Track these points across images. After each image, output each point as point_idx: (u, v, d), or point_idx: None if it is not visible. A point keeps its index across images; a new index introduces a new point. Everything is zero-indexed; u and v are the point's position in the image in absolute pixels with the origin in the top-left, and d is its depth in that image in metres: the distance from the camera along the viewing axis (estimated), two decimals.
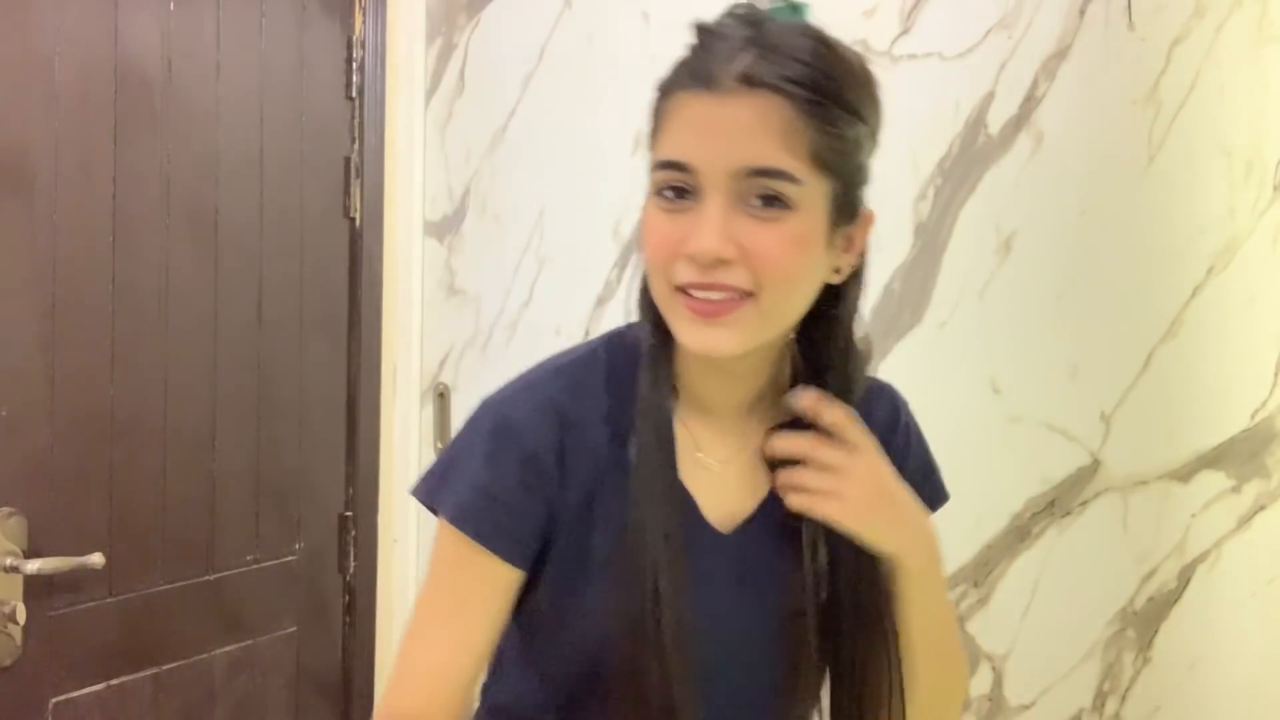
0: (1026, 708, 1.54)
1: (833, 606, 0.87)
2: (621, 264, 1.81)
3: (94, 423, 1.58)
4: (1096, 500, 1.50)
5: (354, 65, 2.04)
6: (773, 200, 0.76)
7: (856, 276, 0.89)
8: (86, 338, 1.57)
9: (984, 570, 1.56)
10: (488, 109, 2.05)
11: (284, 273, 1.90)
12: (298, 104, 1.92)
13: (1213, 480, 1.43)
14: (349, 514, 2.04)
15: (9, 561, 1.45)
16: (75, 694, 1.56)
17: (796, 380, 0.89)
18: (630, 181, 1.79)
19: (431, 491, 0.87)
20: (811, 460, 0.84)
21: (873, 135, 0.84)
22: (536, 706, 0.91)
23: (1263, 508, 1.41)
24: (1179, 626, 1.45)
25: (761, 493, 0.89)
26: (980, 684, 1.57)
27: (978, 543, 1.56)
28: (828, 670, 0.91)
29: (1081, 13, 1.50)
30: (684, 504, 0.85)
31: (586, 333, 1.83)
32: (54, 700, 1.53)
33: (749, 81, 0.74)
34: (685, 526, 0.84)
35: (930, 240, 1.59)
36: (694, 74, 0.77)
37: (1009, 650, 1.55)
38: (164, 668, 1.69)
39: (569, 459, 0.84)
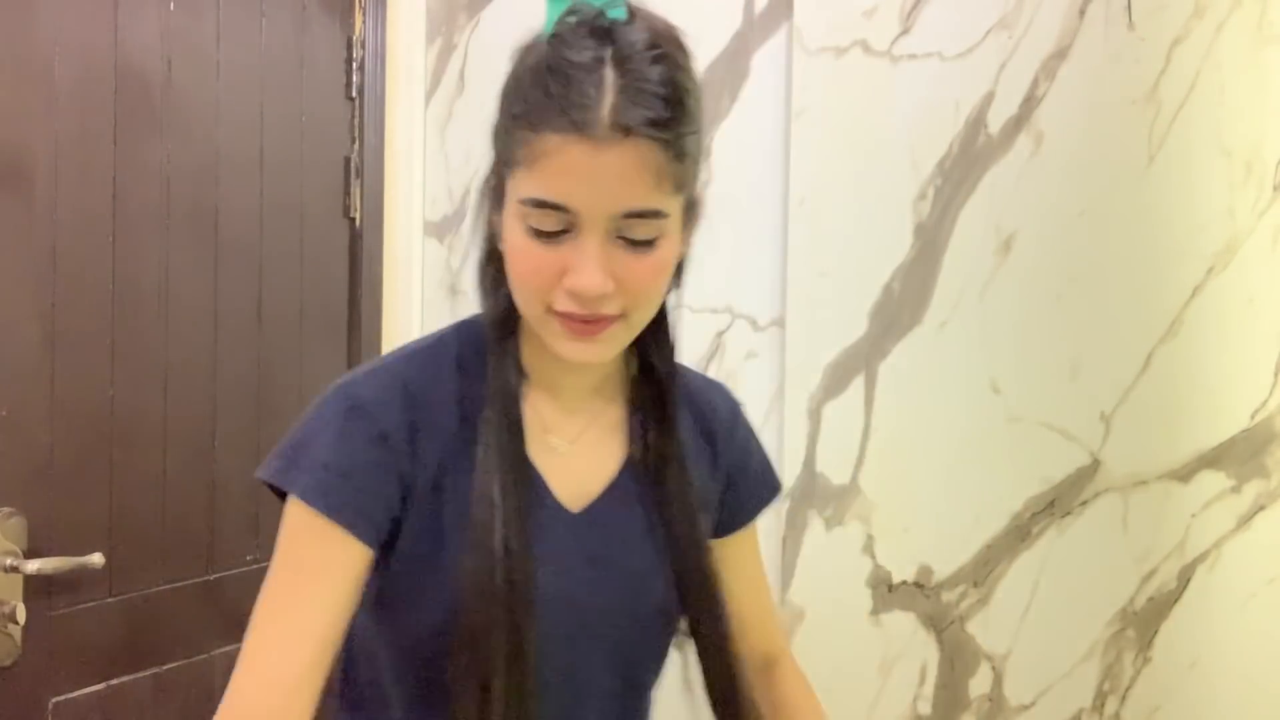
0: (1026, 708, 1.54)
1: (682, 580, 0.91)
2: None
3: (94, 423, 1.58)
4: (1096, 500, 1.50)
5: (354, 65, 2.04)
6: (642, 233, 0.80)
7: (687, 256, 0.93)
8: (86, 338, 1.57)
9: (984, 570, 1.56)
10: (488, 109, 2.03)
11: (284, 273, 1.90)
12: (298, 104, 1.92)
13: (1213, 480, 1.43)
14: None
15: (9, 561, 1.45)
16: (75, 694, 1.56)
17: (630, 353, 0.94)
18: None
19: (280, 472, 0.86)
20: None
21: (702, 134, 0.86)
22: (391, 684, 0.90)
23: (1263, 508, 1.41)
24: (1179, 626, 1.45)
25: (611, 471, 0.93)
26: (980, 684, 1.57)
27: (978, 543, 1.56)
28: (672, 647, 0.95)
29: (1081, 13, 1.50)
30: (532, 482, 0.87)
31: None
32: (54, 700, 1.53)
33: (623, 130, 0.76)
34: (534, 505, 0.86)
35: (930, 240, 1.60)
36: (566, 117, 0.77)
37: (1009, 650, 1.55)
38: (164, 668, 1.69)
39: (420, 437, 0.86)
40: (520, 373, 0.89)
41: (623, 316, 0.82)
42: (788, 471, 1.67)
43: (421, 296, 2.14)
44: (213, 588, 1.77)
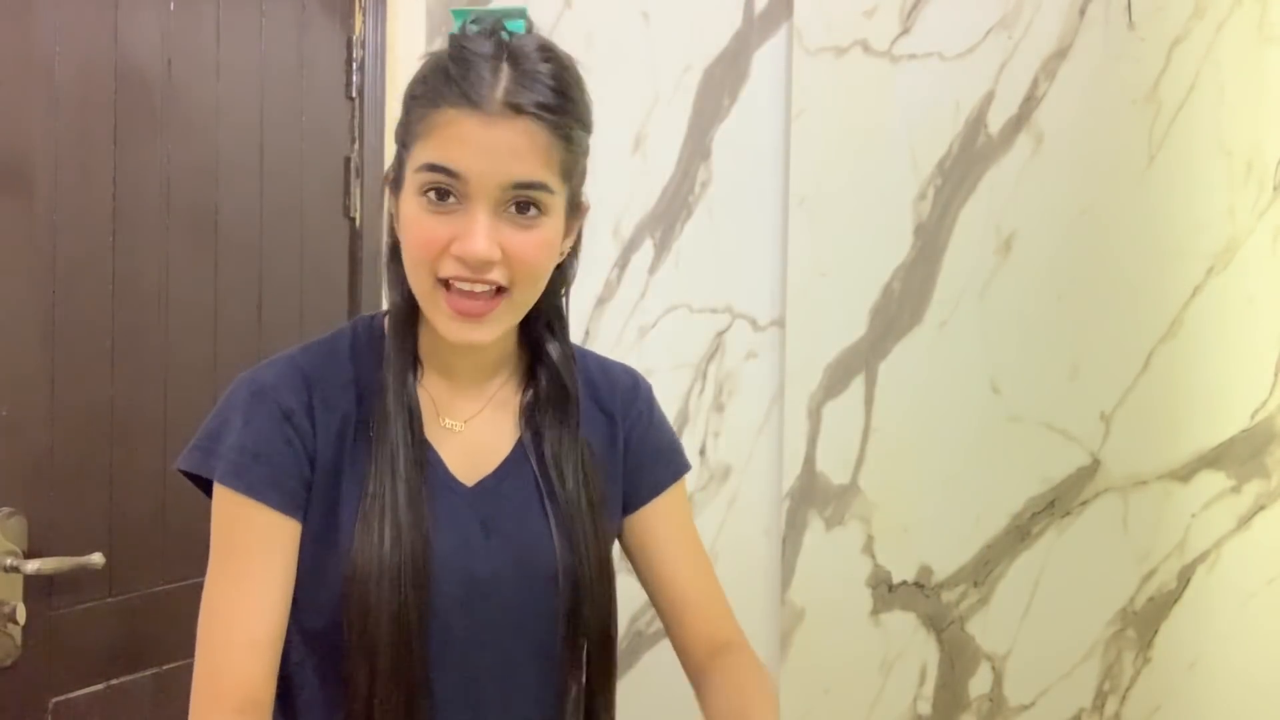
0: (1026, 708, 1.54)
1: (571, 549, 0.96)
2: (621, 264, 1.81)
3: (94, 423, 1.58)
4: (1096, 500, 1.50)
5: (354, 65, 2.04)
6: (528, 207, 0.87)
7: (575, 252, 1.00)
8: (86, 338, 1.57)
9: (984, 570, 1.56)
10: None
11: (284, 273, 1.90)
12: (298, 104, 1.92)
13: (1213, 480, 1.43)
14: None
15: (9, 561, 1.45)
16: (75, 694, 1.56)
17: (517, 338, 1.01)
18: (630, 181, 1.79)
19: (199, 462, 0.91)
20: None
21: (589, 136, 0.94)
22: (298, 665, 0.94)
23: (1263, 508, 1.41)
24: (1179, 626, 1.45)
25: (506, 447, 0.98)
26: (980, 684, 1.57)
27: (978, 543, 1.56)
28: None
29: (1081, 13, 1.50)
30: (427, 459, 0.93)
31: (586, 333, 1.83)
32: (54, 700, 1.53)
33: (514, 108, 0.85)
34: (430, 480, 0.92)
35: (930, 240, 1.60)
36: (462, 93, 0.85)
37: (1009, 650, 1.55)
38: (164, 668, 1.69)
39: (318, 415, 0.92)
40: (415, 358, 0.96)
41: (506, 294, 0.89)
42: (788, 471, 1.67)
43: None
44: None
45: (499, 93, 0.85)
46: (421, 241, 0.87)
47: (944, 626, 1.59)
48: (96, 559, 1.53)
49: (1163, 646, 1.46)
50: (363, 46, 2.05)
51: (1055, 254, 1.52)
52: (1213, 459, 1.43)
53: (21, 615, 1.45)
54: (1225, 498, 1.42)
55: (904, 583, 1.61)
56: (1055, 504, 1.52)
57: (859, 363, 1.64)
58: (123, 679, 1.62)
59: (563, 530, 0.96)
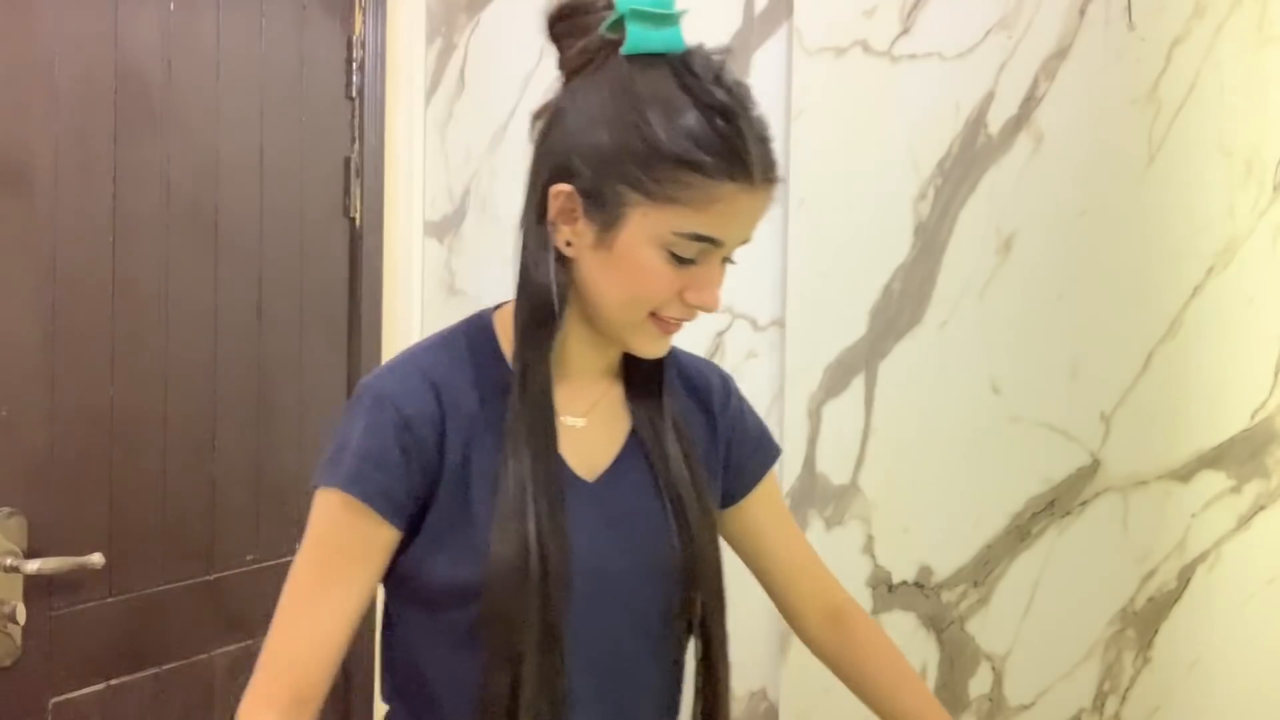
0: (1026, 708, 1.54)
1: (688, 541, 0.98)
2: None
3: (94, 423, 1.58)
4: (1096, 500, 1.50)
5: (354, 65, 2.04)
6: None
7: None
8: (86, 338, 1.57)
9: (984, 570, 1.56)
10: (488, 109, 2.05)
11: (284, 273, 1.90)
12: (298, 104, 1.92)
13: (1213, 480, 1.43)
14: None
15: (9, 561, 1.45)
16: (75, 694, 1.56)
17: None
18: None
19: (327, 474, 0.92)
20: None
21: None
22: (423, 677, 0.96)
23: (1263, 508, 1.41)
24: (1179, 626, 1.45)
25: (619, 442, 1.00)
26: (980, 684, 1.57)
27: (978, 543, 1.56)
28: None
29: (1081, 13, 1.50)
30: (554, 457, 0.93)
31: None
32: (54, 700, 1.53)
33: (769, 181, 0.90)
34: (555, 478, 0.93)
35: (930, 240, 1.60)
36: (744, 169, 0.87)
37: (1009, 650, 1.55)
38: (164, 668, 1.69)
39: (446, 422, 0.92)
40: (549, 359, 0.95)
41: None
42: (788, 471, 1.67)
43: (421, 296, 2.14)
44: (213, 588, 1.77)
45: (759, 162, 0.88)
46: (658, 288, 0.90)
47: (944, 626, 1.59)
48: (96, 559, 1.53)
49: (1163, 646, 1.46)
50: (363, 46, 2.05)
51: (1055, 254, 1.52)
52: (1213, 459, 1.43)
53: (21, 615, 1.45)
54: (1225, 498, 1.42)
55: (904, 583, 1.61)
56: (1055, 504, 1.52)
57: (859, 363, 1.64)
58: (123, 679, 1.63)
59: (680, 521, 0.98)
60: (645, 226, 0.88)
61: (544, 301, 0.93)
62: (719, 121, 0.87)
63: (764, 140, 0.90)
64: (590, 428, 0.99)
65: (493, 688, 0.88)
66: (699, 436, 1.04)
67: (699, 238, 0.88)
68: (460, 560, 0.91)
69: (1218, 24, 1.42)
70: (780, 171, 0.91)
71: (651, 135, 0.87)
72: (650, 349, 0.94)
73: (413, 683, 0.97)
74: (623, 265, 0.90)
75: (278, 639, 0.91)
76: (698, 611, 0.98)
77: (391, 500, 0.90)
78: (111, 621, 1.61)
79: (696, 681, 1.00)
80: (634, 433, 1.00)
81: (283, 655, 0.90)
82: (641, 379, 1.02)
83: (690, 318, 0.92)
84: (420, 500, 0.92)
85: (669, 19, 0.89)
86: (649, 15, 0.88)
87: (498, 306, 1.01)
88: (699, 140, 0.86)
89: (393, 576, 0.95)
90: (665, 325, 0.92)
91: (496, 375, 0.95)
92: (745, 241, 0.92)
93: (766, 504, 1.11)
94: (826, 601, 1.12)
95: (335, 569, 0.91)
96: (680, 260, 0.89)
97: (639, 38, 0.88)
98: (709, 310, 0.91)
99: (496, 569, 0.88)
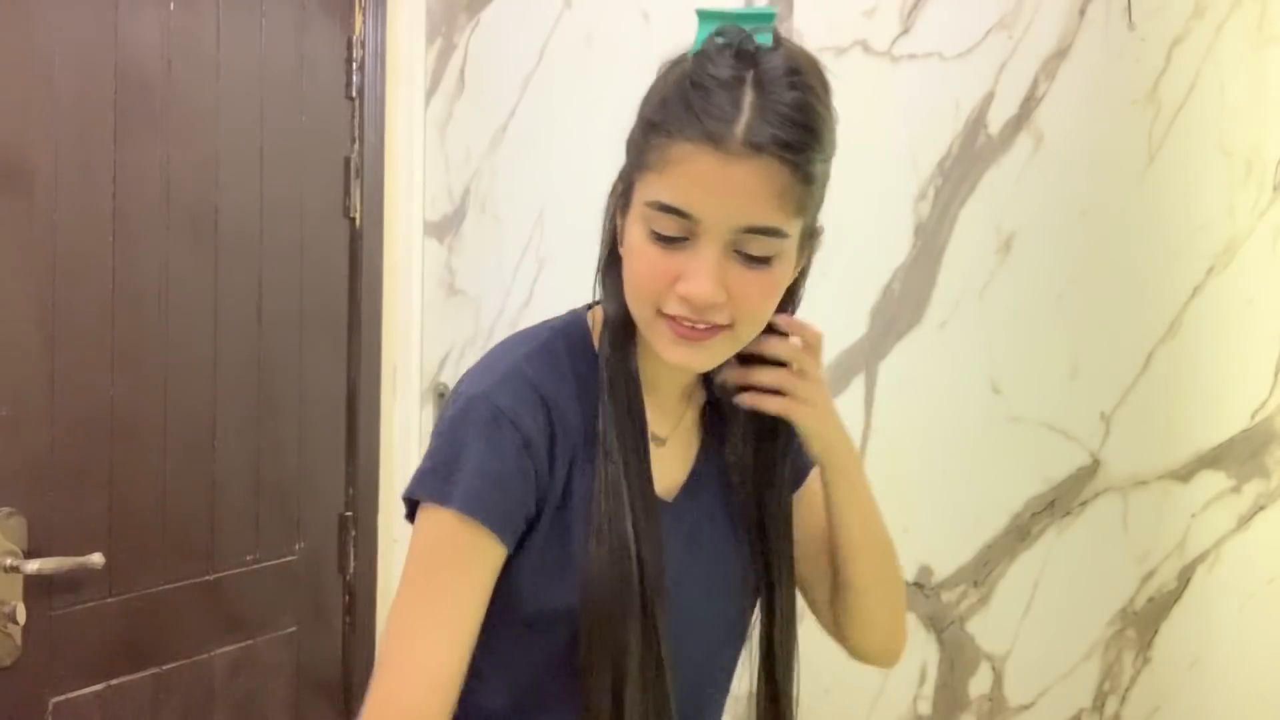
0: (1026, 708, 1.54)
1: (761, 542, 0.97)
2: None
3: (94, 423, 1.58)
4: (1096, 500, 1.50)
5: (354, 65, 2.04)
6: (761, 254, 0.84)
7: (803, 276, 0.99)
8: (86, 338, 1.57)
9: (984, 570, 1.56)
10: (488, 109, 2.05)
11: (284, 273, 1.90)
12: (298, 104, 1.92)
13: (1213, 480, 1.43)
14: (349, 514, 2.04)
15: (9, 561, 1.45)
16: (75, 694, 1.56)
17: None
18: None
19: (437, 489, 0.86)
20: (796, 363, 0.96)
21: (831, 161, 0.88)
22: (501, 705, 0.92)
23: (1263, 508, 1.41)
24: (1179, 626, 1.45)
25: (691, 461, 0.98)
26: (980, 684, 1.57)
27: (978, 543, 1.56)
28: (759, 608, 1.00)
29: (1081, 13, 1.50)
30: (644, 478, 0.90)
31: None
32: (54, 700, 1.53)
33: (754, 148, 0.79)
34: (644, 498, 0.90)
35: (930, 240, 1.60)
36: (702, 129, 0.80)
37: (1009, 650, 1.55)
38: (164, 668, 1.69)
39: (556, 440, 0.89)
40: (638, 374, 0.92)
41: (730, 328, 0.85)
42: None
43: (421, 296, 2.14)
44: (213, 588, 1.77)
45: (740, 129, 0.79)
46: (646, 275, 0.84)
47: (944, 626, 1.59)
48: (96, 559, 1.53)
49: (1163, 646, 1.46)
50: (363, 46, 2.05)
51: (1055, 254, 1.52)
52: (1213, 459, 1.43)
53: (21, 615, 1.45)
54: (1225, 498, 1.42)
55: (904, 583, 1.61)
56: (1055, 504, 1.52)
57: (859, 363, 1.64)
58: (123, 679, 1.63)
59: (754, 543, 0.97)
60: (635, 205, 0.85)
61: (612, 306, 0.91)
62: (693, 83, 0.82)
63: (754, 105, 0.79)
64: (671, 445, 0.97)
65: (595, 702, 0.85)
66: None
67: (665, 207, 0.82)
68: (559, 580, 0.88)
69: (1218, 24, 1.42)
70: (780, 146, 0.79)
71: (640, 110, 0.86)
72: (668, 354, 0.86)
73: (497, 700, 0.92)
74: (626, 252, 0.87)
75: (391, 676, 0.84)
76: (774, 640, 0.97)
77: (511, 522, 0.86)
78: (111, 621, 1.61)
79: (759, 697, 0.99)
80: (704, 451, 0.99)
81: (401, 696, 0.83)
82: (728, 407, 0.98)
83: (693, 316, 0.84)
84: (529, 520, 0.88)
85: (736, 16, 0.84)
86: (712, 14, 0.85)
87: (590, 305, 0.97)
88: (665, 100, 0.83)
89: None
90: (674, 325, 0.85)
91: (594, 389, 0.91)
92: (738, 225, 0.81)
93: (810, 504, 1.05)
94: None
95: (450, 594, 0.85)
96: (662, 240, 0.83)
97: (699, 36, 0.85)
98: (695, 301, 0.82)
99: (595, 582, 0.85)
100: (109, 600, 1.60)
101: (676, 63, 0.85)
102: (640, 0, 1.82)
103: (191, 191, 1.73)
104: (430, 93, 2.13)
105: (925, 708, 1.60)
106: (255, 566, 1.84)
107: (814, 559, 1.05)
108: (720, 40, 0.83)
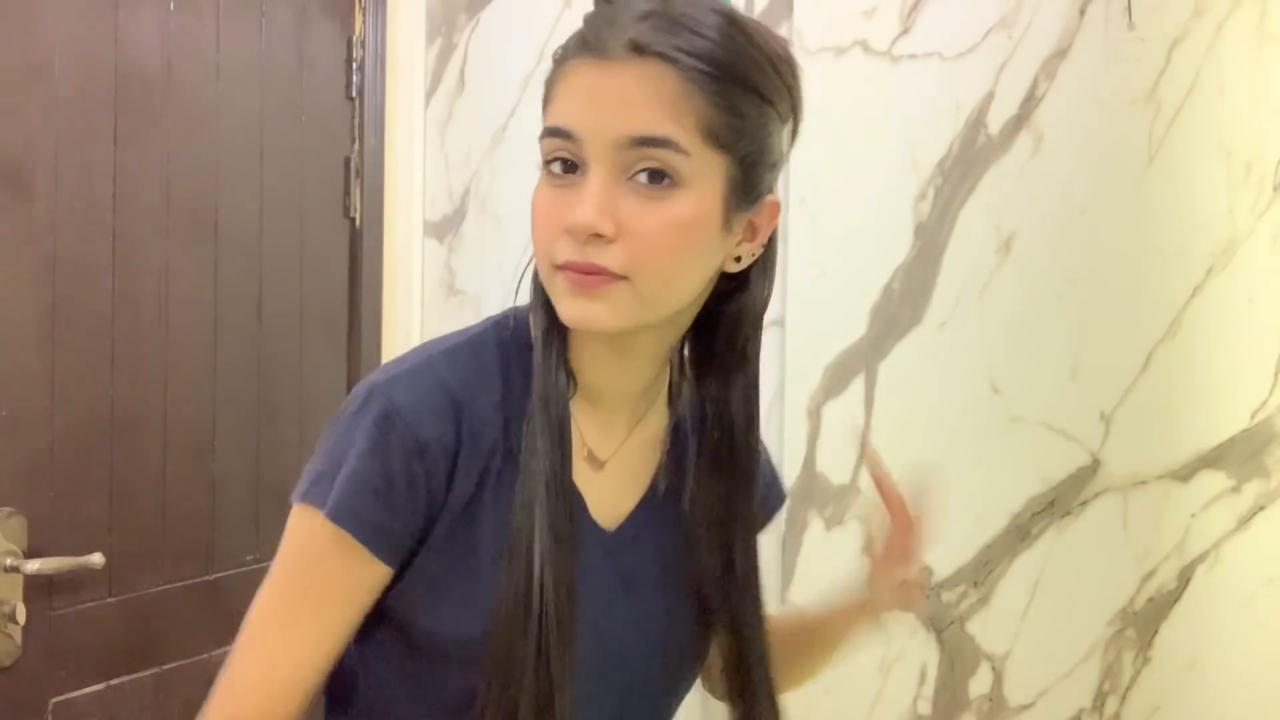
0: (1026, 708, 1.54)
1: (723, 594, 0.86)
2: None
3: (94, 423, 1.58)
4: (1096, 500, 1.50)
5: (354, 65, 2.04)
6: (659, 176, 0.72)
7: (764, 271, 0.84)
8: (86, 338, 1.57)
9: (984, 570, 1.56)
10: (488, 109, 2.05)
11: (284, 273, 1.90)
12: (298, 104, 1.92)
13: (1213, 480, 1.43)
14: None
15: (9, 561, 1.45)
16: (75, 694, 1.56)
17: (674, 379, 0.89)
18: None
19: (311, 492, 0.78)
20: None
21: (783, 120, 0.78)
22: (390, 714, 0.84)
23: (1263, 508, 1.41)
24: (1179, 626, 1.45)
25: (641, 489, 0.87)
26: (980, 684, 1.57)
27: (978, 543, 1.56)
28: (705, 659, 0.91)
29: (1081, 13, 1.50)
30: (570, 504, 0.79)
31: None
32: (54, 700, 1.53)
33: (638, 49, 0.71)
34: (571, 526, 0.78)
35: (930, 240, 1.60)
36: (585, 42, 0.73)
37: (1009, 650, 1.55)
38: (164, 668, 1.69)
39: (462, 449, 0.78)
40: (568, 379, 0.80)
41: (626, 279, 0.73)
42: (788, 471, 1.67)
43: (421, 296, 2.14)
44: (213, 588, 1.77)
45: (622, 33, 0.71)
46: (538, 219, 0.76)
47: (944, 626, 1.58)
48: (96, 559, 1.53)
49: (1163, 646, 1.46)
50: (363, 46, 2.05)
51: (1055, 254, 1.52)
52: (1213, 459, 1.43)
53: (21, 615, 1.45)
54: (1225, 498, 1.42)
55: (904, 583, 1.61)
56: (1055, 504, 1.52)
57: (859, 363, 1.64)
58: (123, 679, 1.62)
59: (715, 583, 0.85)
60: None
61: (539, 308, 0.81)
62: (592, 9, 0.76)
63: (650, 19, 0.72)
64: (616, 469, 0.85)
65: None
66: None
67: (547, 132, 0.74)
68: (459, 605, 0.78)
69: (1218, 24, 1.42)
70: (673, 49, 0.71)
71: None
72: (565, 311, 0.75)
73: (371, 704, 0.84)
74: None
75: (230, 686, 0.78)
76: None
77: (388, 537, 0.76)
78: (111, 621, 1.61)
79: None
80: (659, 476, 0.87)
81: (242, 703, 0.77)
82: (692, 423, 0.88)
83: (576, 254, 0.73)
84: (417, 536, 0.78)
85: None
86: None
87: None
88: (565, 41, 0.77)
89: (375, 610, 0.80)
90: (567, 274, 0.74)
91: (524, 394, 0.80)
92: (619, 136, 0.71)
93: None
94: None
95: (310, 604, 0.78)
96: (556, 177, 0.74)
97: None
98: (575, 226, 0.72)
99: (495, 619, 0.76)
100: (109, 600, 1.60)
101: None
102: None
103: (191, 191, 1.73)
104: (430, 93, 2.13)
105: (925, 708, 1.60)
106: (255, 566, 1.84)
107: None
108: None
